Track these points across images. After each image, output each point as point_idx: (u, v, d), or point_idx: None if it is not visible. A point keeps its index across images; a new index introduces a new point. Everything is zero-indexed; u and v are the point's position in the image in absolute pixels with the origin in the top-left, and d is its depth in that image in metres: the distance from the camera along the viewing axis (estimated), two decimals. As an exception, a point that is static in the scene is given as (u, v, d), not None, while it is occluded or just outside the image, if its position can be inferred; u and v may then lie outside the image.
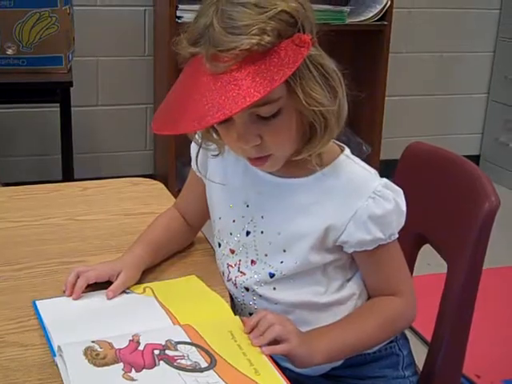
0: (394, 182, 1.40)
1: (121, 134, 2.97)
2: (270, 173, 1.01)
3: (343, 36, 3.09)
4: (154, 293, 1.04)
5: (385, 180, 0.99)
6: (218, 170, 1.07)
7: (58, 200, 1.40)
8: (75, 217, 1.32)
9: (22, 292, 1.05)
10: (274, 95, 0.87)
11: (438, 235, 1.22)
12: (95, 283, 1.04)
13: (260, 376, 0.84)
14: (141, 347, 0.87)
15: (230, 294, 1.07)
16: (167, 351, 0.86)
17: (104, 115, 2.93)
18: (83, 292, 1.02)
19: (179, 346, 0.88)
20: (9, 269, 1.11)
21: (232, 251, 1.06)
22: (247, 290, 1.04)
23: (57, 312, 0.98)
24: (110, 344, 0.87)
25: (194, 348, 0.88)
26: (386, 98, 3.03)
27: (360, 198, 0.96)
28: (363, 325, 1.00)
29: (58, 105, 2.17)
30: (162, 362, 0.85)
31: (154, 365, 0.84)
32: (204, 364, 0.85)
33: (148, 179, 1.53)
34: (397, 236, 1.00)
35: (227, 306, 1.01)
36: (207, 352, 0.87)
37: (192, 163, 1.11)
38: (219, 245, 1.09)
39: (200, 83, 0.85)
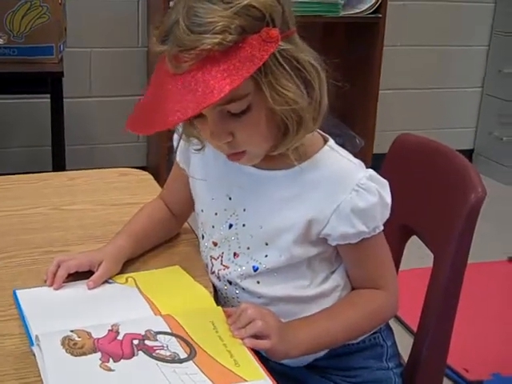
0: (382, 174, 1.40)
1: (113, 126, 2.95)
2: (253, 165, 0.99)
3: (337, 28, 3.09)
4: (136, 283, 1.03)
5: (370, 171, 0.98)
6: (200, 163, 1.06)
7: (44, 190, 1.39)
8: (60, 206, 1.31)
9: (2, 281, 1.04)
10: (240, 92, 0.85)
11: (425, 227, 1.21)
12: (77, 273, 1.03)
13: (240, 367, 0.83)
14: (120, 337, 0.86)
15: (213, 286, 1.06)
16: (146, 341, 0.86)
17: (97, 106, 2.91)
18: (64, 282, 1.02)
19: (159, 337, 0.87)
20: (-7, 258, 1.11)
21: (215, 244, 1.05)
22: (230, 283, 1.04)
23: (37, 301, 0.97)
24: (88, 333, 0.86)
25: (173, 338, 0.87)
26: (380, 92, 3.01)
27: (343, 191, 0.95)
28: (346, 315, 0.99)
29: (49, 95, 2.15)
30: (140, 352, 0.84)
31: (132, 355, 0.83)
32: (183, 355, 0.84)
33: (136, 170, 1.51)
34: (381, 228, 0.99)
35: (210, 297, 1.00)
36: (187, 343, 0.86)
37: (175, 155, 1.10)
38: (202, 237, 1.08)
39: (165, 83, 0.85)
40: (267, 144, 0.93)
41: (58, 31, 2.19)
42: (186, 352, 0.85)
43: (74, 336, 0.85)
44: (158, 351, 0.84)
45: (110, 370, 0.81)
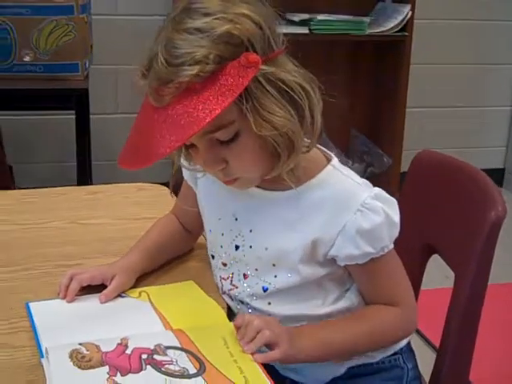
0: (403, 192, 1.38)
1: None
2: (257, 186, 0.97)
3: (365, 47, 3.08)
4: (149, 297, 1.02)
5: (376, 190, 0.95)
6: (207, 182, 1.05)
7: (63, 204, 1.39)
8: (78, 220, 1.31)
9: (16, 293, 1.04)
10: (225, 120, 0.84)
11: (446, 245, 1.19)
12: (90, 287, 1.03)
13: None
14: (128, 351, 0.85)
15: (227, 304, 1.05)
16: (155, 356, 0.84)
17: (123, 123, 2.93)
18: (77, 295, 1.01)
19: (168, 351, 0.86)
20: (5, 270, 1.11)
21: (224, 264, 1.04)
22: (242, 302, 1.02)
23: (49, 314, 0.97)
24: (97, 347, 0.85)
25: (183, 353, 0.85)
26: (407, 110, 2.99)
27: (348, 212, 0.92)
28: (354, 329, 0.96)
29: (74, 112, 2.17)
30: (148, 366, 0.83)
31: (140, 369, 0.82)
32: (193, 370, 0.83)
33: (155, 185, 1.51)
34: (391, 247, 0.96)
35: (222, 312, 0.98)
36: (197, 358, 0.85)
37: (183, 173, 1.09)
38: (212, 257, 1.07)
39: (149, 117, 0.84)
40: (260, 169, 0.91)
41: (84, 48, 2.21)
42: (195, 367, 0.83)
43: (83, 349, 0.85)
44: (166, 366, 0.83)
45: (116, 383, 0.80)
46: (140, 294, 1.03)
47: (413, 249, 1.27)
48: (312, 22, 2.77)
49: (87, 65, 2.26)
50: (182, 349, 0.86)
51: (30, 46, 2.14)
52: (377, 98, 3.15)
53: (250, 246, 0.99)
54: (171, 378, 0.81)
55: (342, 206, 0.93)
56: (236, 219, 1.00)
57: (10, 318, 0.98)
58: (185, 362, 0.84)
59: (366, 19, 2.85)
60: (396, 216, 0.95)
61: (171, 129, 0.81)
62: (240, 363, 0.85)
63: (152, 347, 0.86)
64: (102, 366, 0.82)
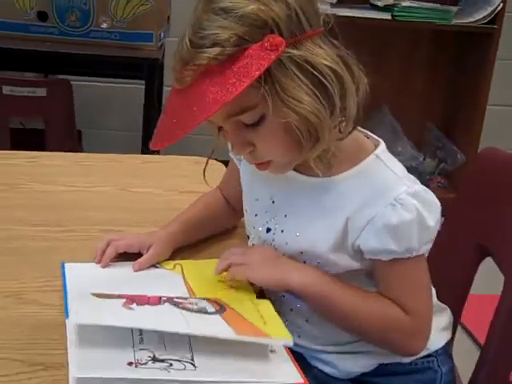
0: (463, 190, 1.31)
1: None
2: (298, 170, 0.94)
3: (448, 37, 2.97)
4: (182, 271, 1.01)
5: (416, 187, 0.89)
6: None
7: (117, 170, 1.40)
8: (128, 188, 1.31)
9: (56, 254, 1.05)
10: (247, 103, 0.82)
11: (499, 248, 1.12)
12: (126, 254, 1.03)
13: (266, 326, 0.83)
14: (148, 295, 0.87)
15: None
16: (175, 299, 0.86)
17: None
18: (113, 261, 1.01)
19: (189, 299, 0.87)
20: (49, 229, 1.13)
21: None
22: None
23: (81, 276, 0.98)
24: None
25: (204, 301, 0.87)
26: (488, 107, 2.87)
27: (380, 204, 0.88)
28: (358, 301, 0.92)
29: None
30: (166, 303, 0.84)
31: (157, 304, 0.84)
32: (211, 309, 0.84)
33: (212, 160, 1.49)
34: (421, 252, 0.90)
35: (251, 289, 0.96)
36: (218, 303, 0.86)
37: (229, 150, 1.07)
38: (248, 237, 1.05)
39: (171, 99, 0.85)
40: (288, 154, 0.88)
41: (160, 19, 2.21)
42: (214, 308, 0.84)
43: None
44: (184, 305, 0.84)
45: (130, 308, 0.82)
46: (174, 266, 1.02)
47: (465, 248, 1.21)
48: (396, 8, 2.69)
49: (162, 36, 2.27)
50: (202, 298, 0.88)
51: (107, 13, 2.17)
52: (457, 92, 3.04)
53: (282, 231, 0.96)
54: (187, 312, 0.82)
55: (375, 198, 0.89)
56: (273, 202, 0.98)
57: (46, 277, 0.99)
58: (204, 304, 0.85)
59: (454, 8, 2.74)
60: (432, 220, 0.89)
61: (186, 112, 0.80)
62: (259, 307, 0.87)
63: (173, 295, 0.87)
64: (120, 298, 0.84)
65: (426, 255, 0.93)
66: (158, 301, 0.84)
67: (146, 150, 2.17)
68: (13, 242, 1.07)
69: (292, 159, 0.89)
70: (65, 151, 1.54)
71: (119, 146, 2.90)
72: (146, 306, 0.82)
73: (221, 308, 0.84)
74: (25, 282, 0.97)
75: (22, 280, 0.98)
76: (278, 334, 0.81)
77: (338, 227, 0.91)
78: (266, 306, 0.89)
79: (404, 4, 2.70)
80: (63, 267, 1.00)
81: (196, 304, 0.85)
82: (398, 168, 0.92)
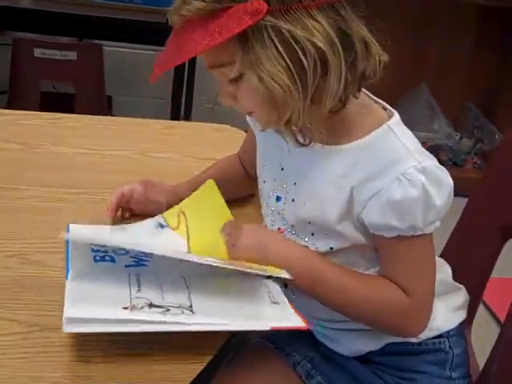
0: (490, 168, 1.26)
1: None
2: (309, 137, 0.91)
3: (493, 13, 2.85)
4: (186, 223, 1.00)
5: (427, 163, 0.84)
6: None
7: (137, 134, 1.39)
8: (147, 152, 1.30)
9: (67, 215, 1.04)
10: (223, 59, 0.81)
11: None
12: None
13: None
14: None
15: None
16: None
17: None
18: (124, 222, 1.00)
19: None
20: (64, 191, 1.11)
21: (266, 215, 0.99)
22: None
23: (84, 237, 0.96)
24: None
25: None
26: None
27: (387, 177, 0.84)
28: (353, 282, 0.88)
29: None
30: None
31: None
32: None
33: (232, 127, 1.47)
34: (426, 232, 0.85)
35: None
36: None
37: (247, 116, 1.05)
38: (262, 205, 1.02)
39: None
40: (266, 114, 0.84)
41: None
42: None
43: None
44: None
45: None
46: (179, 221, 1.00)
47: (489, 229, 1.16)
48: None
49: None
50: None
51: (142, -22, 2.14)
52: (500, 72, 2.95)
53: (293, 200, 0.93)
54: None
55: (383, 170, 0.85)
56: (282, 169, 0.95)
57: (53, 238, 0.97)
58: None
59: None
60: (439, 199, 0.84)
61: (170, 52, 0.82)
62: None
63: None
64: None
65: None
66: None
67: (174, 117, 2.16)
68: (20, 202, 1.06)
69: (269, 120, 0.86)
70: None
71: (149, 112, 2.89)
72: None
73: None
74: (30, 242, 0.96)
75: (28, 240, 0.97)
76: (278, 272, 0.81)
77: (344, 197, 0.87)
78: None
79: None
80: (68, 229, 0.98)
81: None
82: (411, 142, 0.87)
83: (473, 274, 1.12)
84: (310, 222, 0.91)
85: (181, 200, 1.04)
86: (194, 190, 1.05)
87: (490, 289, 1.24)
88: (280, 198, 0.95)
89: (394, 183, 0.83)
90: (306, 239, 0.92)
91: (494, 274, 1.18)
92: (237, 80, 0.83)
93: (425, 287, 0.89)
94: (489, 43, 2.96)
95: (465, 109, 2.98)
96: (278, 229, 0.95)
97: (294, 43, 0.78)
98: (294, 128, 0.85)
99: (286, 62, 0.78)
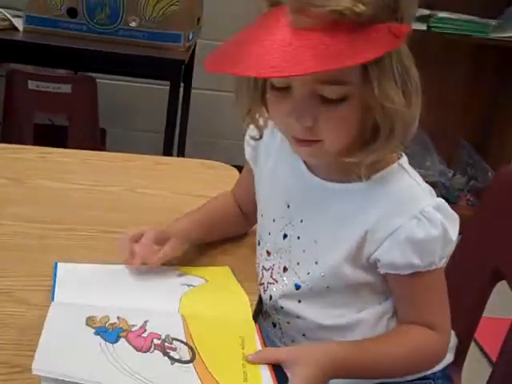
0: (480, 209, 1.26)
1: (238, 123, 2.95)
2: (317, 175, 0.92)
3: (485, 52, 2.89)
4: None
5: (438, 200, 0.87)
6: (267, 165, 0.99)
7: (127, 170, 1.38)
8: (136, 189, 1.29)
9: (53, 252, 1.03)
10: (345, 77, 0.77)
11: (513, 271, 1.07)
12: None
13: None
14: (145, 334, 0.82)
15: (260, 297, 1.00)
16: (166, 344, 0.81)
17: (225, 101, 2.92)
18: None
19: (174, 342, 0.82)
20: (48, 227, 1.10)
21: (268, 253, 0.98)
22: (270, 298, 0.97)
23: (73, 275, 0.95)
24: (127, 323, 0.83)
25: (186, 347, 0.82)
26: (524, 125, 2.79)
27: (404, 216, 0.85)
28: (384, 351, 0.88)
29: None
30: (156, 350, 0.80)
31: (148, 350, 0.80)
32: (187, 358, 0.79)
33: (225, 164, 1.47)
34: (440, 265, 0.87)
35: (248, 309, 0.92)
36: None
37: (246, 152, 1.04)
38: (259, 243, 1.01)
39: (275, 33, 0.75)
40: (345, 143, 0.84)
41: (189, 20, 2.20)
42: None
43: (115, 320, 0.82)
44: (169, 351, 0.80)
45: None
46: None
47: (480, 271, 1.16)
48: (432, 19, 2.63)
49: (191, 37, 2.25)
50: (186, 343, 0.82)
51: (137, 12, 2.16)
52: (492, 110, 2.96)
53: (298, 237, 0.93)
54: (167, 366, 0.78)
55: (399, 208, 0.85)
56: (288, 206, 0.94)
57: (38, 276, 0.96)
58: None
59: (492, 22, 2.68)
60: (454, 234, 0.87)
61: (298, 54, 0.73)
62: (248, 368, 0.79)
63: (163, 336, 0.82)
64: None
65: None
66: (150, 345, 0.80)
67: (167, 152, 2.16)
68: (7, 238, 1.05)
69: (343, 151, 0.85)
70: (86, 149, 1.51)
71: (143, 145, 2.89)
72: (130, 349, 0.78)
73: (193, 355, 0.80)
74: (16, 279, 0.95)
75: (13, 278, 0.95)
76: None
77: (356, 236, 0.87)
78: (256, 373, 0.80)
79: (441, 15, 2.64)
80: (56, 267, 0.97)
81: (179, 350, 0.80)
82: (420, 179, 0.90)
83: (463, 316, 1.11)
84: (317, 262, 0.90)
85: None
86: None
87: (482, 329, 1.23)
88: (286, 235, 0.94)
89: (412, 221, 0.84)
90: (302, 279, 0.92)
91: (488, 314, 1.18)
92: (335, 102, 0.80)
93: (445, 316, 0.91)
94: (482, 81, 2.99)
95: (458, 146, 2.99)
96: (284, 268, 0.94)
97: (403, 70, 0.79)
98: (353, 160, 0.84)
99: (398, 87, 0.79)
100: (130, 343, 0.79)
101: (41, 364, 0.73)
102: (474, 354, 1.18)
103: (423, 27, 2.63)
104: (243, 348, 0.82)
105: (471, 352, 1.18)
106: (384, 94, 0.78)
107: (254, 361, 0.79)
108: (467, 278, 1.17)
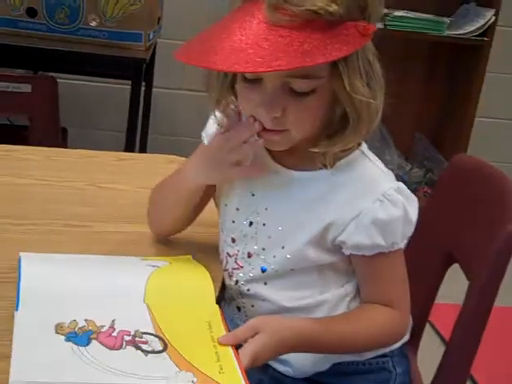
0: (433, 196, 1.31)
1: (201, 120, 2.97)
2: (281, 163, 0.95)
3: (440, 48, 2.97)
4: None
5: (399, 184, 0.92)
6: None
7: (89, 166, 1.40)
8: (98, 183, 1.31)
9: (17, 245, 1.03)
10: (315, 72, 0.83)
11: (465, 254, 1.12)
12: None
13: (223, 375, 0.79)
14: (115, 333, 0.84)
15: (223, 283, 1.03)
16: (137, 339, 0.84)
17: (186, 100, 2.94)
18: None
19: (145, 336, 0.84)
20: (11, 222, 1.11)
21: (233, 240, 1.01)
22: (236, 282, 1.00)
23: (38, 265, 0.95)
24: (95, 324, 0.84)
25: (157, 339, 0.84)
26: (476, 119, 2.87)
27: (367, 199, 0.90)
28: (349, 328, 0.92)
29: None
30: (128, 346, 0.82)
31: (120, 347, 0.82)
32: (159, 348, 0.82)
33: (186, 158, 1.49)
34: (401, 246, 0.93)
35: (212, 292, 0.95)
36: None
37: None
38: (222, 231, 1.04)
39: (250, 28, 0.79)
40: (310, 132, 0.89)
41: (149, 19, 2.21)
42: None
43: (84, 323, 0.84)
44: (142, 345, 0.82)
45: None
46: None
47: (434, 255, 1.21)
48: (388, 18, 2.70)
49: (151, 36, 2.27)
50: (156, 335, 0.85)
51: (97, 12, 2.16)
52: (447, 103, 3.04)
53: (264, 224, 0.96)
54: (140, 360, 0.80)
55: (362, 192, 0.90)
56: (253, 195, 0.98)
57: (2, 269, 0.98)
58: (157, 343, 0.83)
59: (446, 20, 2.75)
60: (414, 215, 0.92)
61: (273, 49, 0.77)
62: (218, 349, 0.82)
63: (133, 332, 0.84)
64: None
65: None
66: (121, 343, 0.82)
67: (129, 150, 2.17)
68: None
69: (308, 140, 0.89)
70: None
71: (104, 145, 2.88)
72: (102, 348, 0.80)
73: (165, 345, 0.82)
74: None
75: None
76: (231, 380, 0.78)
77: (321, 223, 0.91)
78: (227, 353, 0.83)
79: (397, 13, 2.70)
80: (20, 260, 0.98)
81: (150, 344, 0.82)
82: (381, 164, 0.95)
83: (419, 298, 1.16)
84: (283, 247, 0.94)
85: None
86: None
87: (438, 314, 1.29)
88: (252, 222, 0.97)
89: (375, 204, 0.89)
90: (269, 262, 0.95)
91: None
92: (304, 94, 0.84)
93: (404, 293, 0.96)
94: (437, 76, 3.06)
95: (414, 139, 3.06)
96: (248, 254, 0.98)
97: (369, 66, 0.86)
98: (321, 150, 0.88)
99: (364, 81, 0.85)
100: (101, 344, 0.81)
101: (18, 376, 0.74)
102: (428, 334, 1.23)
103: (380, 25, 2.69)
104: (211, 332, 0.85)
105: (426, 333, 1.23)
106: (353, 86, 0.84)
107: (225, 342, 0.82)
108: (423, 262, 1.22)
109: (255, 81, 0.85)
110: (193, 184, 0.99)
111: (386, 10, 2.72)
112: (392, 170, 0.95)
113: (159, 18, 2.40)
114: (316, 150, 0.89)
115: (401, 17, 2.70)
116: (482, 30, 2.74)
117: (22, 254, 0.98)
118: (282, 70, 0.78)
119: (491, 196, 1.08)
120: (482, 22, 2.75)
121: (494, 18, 2.73)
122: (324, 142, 0.89)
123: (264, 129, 0.88)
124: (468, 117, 2.84)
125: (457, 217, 1.17)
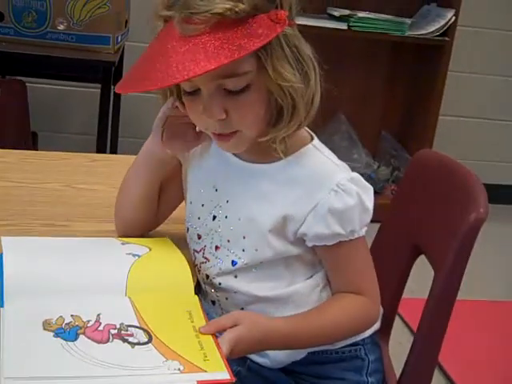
0: (399, 191, 1.36)
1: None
2: (239, 157, 0.99)
3: (403, 48, 3.04)
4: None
5: (353, 174, 0.96)
6: (195, 154, 1.06)
7: (62, 167, 1.42)
8: (73, 184, 1.33)
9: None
10: (241, 68, 0.85)
11: (430, 245, 1.17)
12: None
13: (208, 362, 0.81)
14: (101, 327, 0.86)
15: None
16: (123, 333, 0.86)
17: (154, 102, 2.95)
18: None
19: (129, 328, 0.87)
20: (-9, 224, 1.13)
21: (199, 236, 1.04)
22: (207, 277, 1.03)
23: (22, 261, 0.95)
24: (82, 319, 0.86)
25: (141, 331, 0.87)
26: (440, 117, 2.94)
27: (322, 191, 0.93)
28: (321, 321, 0.96)
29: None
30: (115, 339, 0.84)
31: (107, 341, 0.84)
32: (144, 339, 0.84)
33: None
34: (361, 234, 0.96)
35: (190, 281, 0.98)
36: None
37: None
38: (187, 230, 1.07)
39: (169, 46, 0.83)
40: (259, 128, 0.92)
41: (117, 23, 2.23)
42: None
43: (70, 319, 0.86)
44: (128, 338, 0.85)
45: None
46: None
47: (401, 248, 1.25)
48: (352, 19, 2.75)
49: (119, 39, 2.29)
50: (140, 327, 0.87)
51: (64, 15, 2.18)
52: (411, 102, 3.12)
53: (226, 217, 1.00)
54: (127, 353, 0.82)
55: (317, 185, 0.94)
56: (216, 190, 1.02)
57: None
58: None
59: (408, 20, 2.82)
60: (370, 203, 0.95)
61: (192, 58, 0.81)
62: (201, 338, 0.85)
63: (118, 325, 0.87)
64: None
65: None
66: (108, 336, 0.84)
67: (101, 152, 2.19)
68: None
69: (257, 133, 0.92)
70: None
71: (75, 148, 2.89)
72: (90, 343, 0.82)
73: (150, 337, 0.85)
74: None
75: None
76: (214, 369, 0.80)
77: (277, 215, 0.95)
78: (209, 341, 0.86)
79: (360, 15, 2.76)
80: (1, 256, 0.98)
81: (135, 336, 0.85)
82: (334, 157, 0.98)
83: (389, 288, 1.20)
84: (244, 237, 0.97)
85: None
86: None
87: (406, 308, 1.33)
88: (215, 216, 1.01)
89: (330, 194, 0.93)
90: (239, 255, 0.99)
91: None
92: (240, 92, 0.87)
93: (372, 280, 1.00)
94: (400, 75, 3.13)
95: (381, 138, 3.13)
96: (216, 247, 1.01)
97: (298, 53, 0.88)
98: (266, 138, 0.91)
99: (293, 66, 0.88)
100: (89, 338, 0.84)
101: (12, 372, 0.76)
102: (398, 327, 1.27)
103: (344, 26, 2.75)
104: (192, 321, 0.88)
105: (396, 326, 1.28)
106: (279, 75, 0.87)
107: (207, 331, 0.85)
108: (391, 254, 1.27)
109: (195, 92, 0.89)
110: (149, 154, 1.07)
111: (349, 12, 2.78)
112: (360, 169, 0.99)
113: (126, 21, 2.42)
114: (264, 139, 0.92)
115: (364, 18, 2.76)
116: (442, 30, 2.82)
117: (3, 238, 0.99)
118: (203, 74, 0.81)
119: (454, 189, 1.13)
120: (442, 22, 2.82)
121: (454, 18, 2.81)
122: (270, 130, 0.92)
123: (219, 135, 0.92)
124: (431, 115, 2.92)
125: (422, 210, 1.22)
